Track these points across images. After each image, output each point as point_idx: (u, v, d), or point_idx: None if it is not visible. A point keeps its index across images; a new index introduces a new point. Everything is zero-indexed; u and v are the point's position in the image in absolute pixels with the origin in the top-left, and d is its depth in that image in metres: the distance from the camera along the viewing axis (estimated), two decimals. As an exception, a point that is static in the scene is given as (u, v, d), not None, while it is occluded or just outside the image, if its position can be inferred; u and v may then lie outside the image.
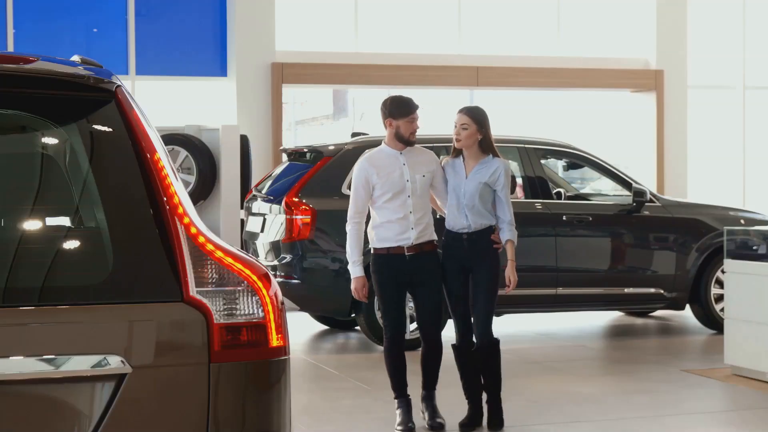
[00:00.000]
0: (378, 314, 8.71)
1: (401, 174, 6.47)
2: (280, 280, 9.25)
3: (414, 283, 6.51)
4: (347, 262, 6.53)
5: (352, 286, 6.51)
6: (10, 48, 13.12)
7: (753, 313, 8.00)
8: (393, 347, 6.52)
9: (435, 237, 6.60)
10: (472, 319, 6.56)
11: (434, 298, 6.57)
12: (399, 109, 6.53)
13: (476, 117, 6.57)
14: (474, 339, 6.62)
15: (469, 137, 6.54)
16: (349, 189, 8.86)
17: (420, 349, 6.70)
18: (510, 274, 6.59)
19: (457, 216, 6.57)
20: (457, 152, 6.63)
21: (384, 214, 6.49)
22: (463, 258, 6.55)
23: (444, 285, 6.59)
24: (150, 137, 2.94)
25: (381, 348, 7.84)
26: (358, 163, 6.61)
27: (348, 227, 6.50)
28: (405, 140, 6.53)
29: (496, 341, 6.54)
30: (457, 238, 6.58)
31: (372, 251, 6.58)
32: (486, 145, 6.58)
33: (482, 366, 6.60)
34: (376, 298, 7.29)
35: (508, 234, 6.57)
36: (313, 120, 17.71)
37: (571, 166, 11.18)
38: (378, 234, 6.52)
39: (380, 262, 6.52)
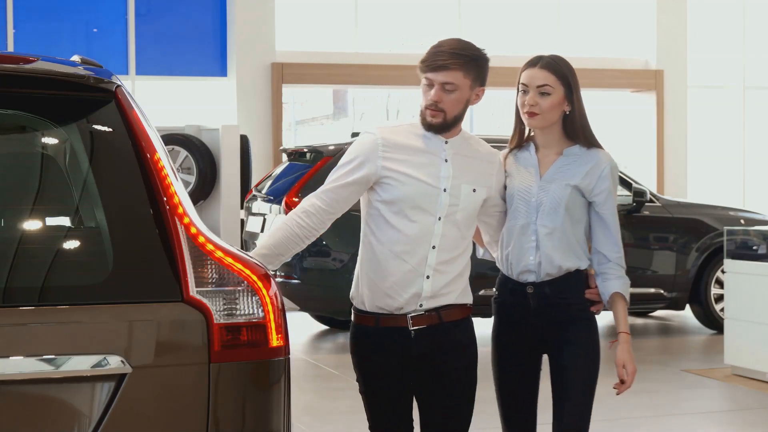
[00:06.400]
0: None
1: (436, 174, 3.55)
2: (280, 280, 9.24)
3: (425, 379, 3.65)
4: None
5: None
6: (10, 48, 13.13)
7: (753, 313, 8.00)
8: None
9: (470, 299, 3.66)
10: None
11: (459, 410, 3.66)
12: (422, 61, 3.59)
13: (563, 75, 3.71)
14: None
15: (553, 108, 3.69)
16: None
17: None
18: (626, 359, 3.79)
19: (518, 248, 3.72)
20: (520, 141, 3.82)
21: (382, 239, 3.57)
22: (530, 327, 3.76)
23: (495, 373, 3.85)
24: (150, 137, 2.94)
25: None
26: (365, 133, 3.69)
27: (291, 213, 3.71)
28: (424, 120, 3.59)
29: None
30: (517, 293, 3.75)
31: (352, 314, 3.71)
32: (577, 126, 3.72)
33: None
34: None
35: (617, 283, 3.83)
36: (313, 120, 17.71)
37: (571, 166, 11.18)
38: (365, 275, 3.61)
39: (365, 339, 3.67)
